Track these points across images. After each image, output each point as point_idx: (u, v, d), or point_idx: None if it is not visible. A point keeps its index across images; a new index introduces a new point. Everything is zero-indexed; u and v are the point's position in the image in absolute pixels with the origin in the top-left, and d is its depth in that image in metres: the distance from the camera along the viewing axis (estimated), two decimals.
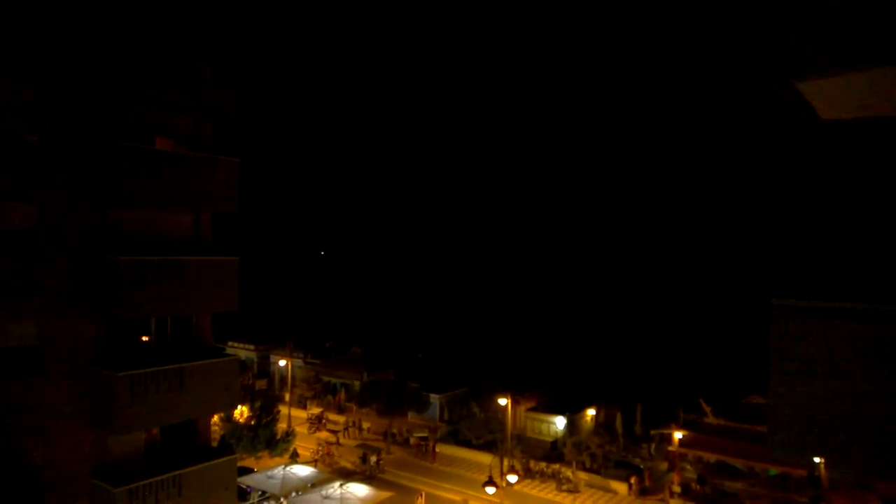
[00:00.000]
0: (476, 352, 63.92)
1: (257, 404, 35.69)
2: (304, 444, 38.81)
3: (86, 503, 16.46)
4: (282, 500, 27.31)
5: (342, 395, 49.18)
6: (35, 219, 15.98)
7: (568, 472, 33.98)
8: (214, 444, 21.28)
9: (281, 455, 34.57)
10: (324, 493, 25.43)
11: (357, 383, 48.28)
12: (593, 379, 51.87)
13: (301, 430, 41.35)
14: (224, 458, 18.97)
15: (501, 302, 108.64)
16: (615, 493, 32.87)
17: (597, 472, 34.37)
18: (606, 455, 35.75)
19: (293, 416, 43.72)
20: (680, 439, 33.55)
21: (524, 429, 41.11)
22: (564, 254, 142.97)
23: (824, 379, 6.47)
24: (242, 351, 55.09)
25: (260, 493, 27.90)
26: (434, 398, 44.29)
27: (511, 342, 74.19)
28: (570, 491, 32.83)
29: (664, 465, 35.18)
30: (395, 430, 41.00)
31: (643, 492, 32.49)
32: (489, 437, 38.57)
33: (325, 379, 51.27)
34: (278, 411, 36.86)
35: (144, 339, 18.25)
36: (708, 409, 35.66)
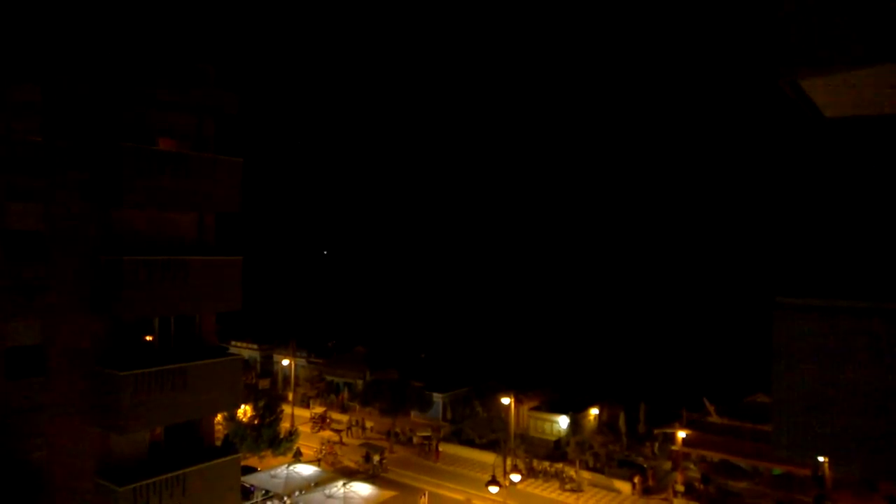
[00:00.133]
0: (479, 351, 63.89)
1: (261, 403, 35.73)
2: (308, 443, 38.84)
3: (90, 502, 16.50)
4: (285, 499, 27.35)
5: (345, 395, 49.21)
6: (39, 219, 16.03)
7: (571, 472, 33.94)
8: (218, 443, 21.33)
9: (284, 454, 34.60)
10: (327, 492, 25.46)
11: (360, 382, 48.29)
12: (596, 378, 51.81)
13: (304, 429, 41.39)
14: (228, 458, 19.02)
15: (504, 301, 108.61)
16: (619, 492, 32.82)
17: (600, 471, 34.32)
18: (610, 454, 35.68)
19: (296, 415, 43.78)
20: (683, 438, 33.48)
21: (527, 428, 41.06)
22: (567, 252, 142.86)
23: (829, 377, 6.44)
24: (246, 350, 55.15)
25: (263, 492, 27.95)
26: (437, 397, 44.29)
27: (514, 341, 74.16)
28: (573, 490, 32.79)
29: (668, 465, 35.10)
30: (398, 430, 41.01)
31: (646, 491, 32.44)
32: (492, 436, 38.54)
33: (329, 378, 51.29)
34: (281, 410, 36.88)
35: (148, 338, 18.29)
36: (711, 408, 35.55)
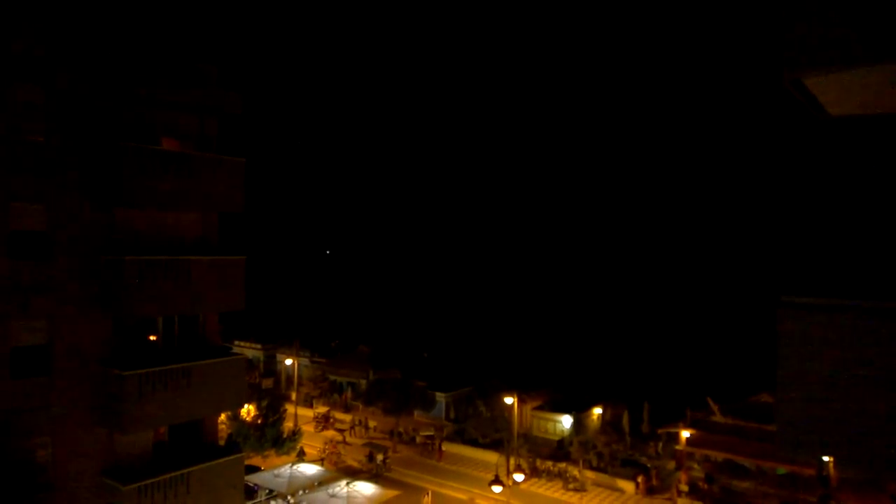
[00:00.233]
0: (482, 350, 63.86)
1: (264, 403, 35.81)
2: (311, 442, 38.89)
3: (94, 501, 16.55)
4: (289, 498, 27.40)
5: (348, 394, 49.27)
6: (42, 219, 16.06)
7: (574, 471, 33.92)
8: (222, 442, 21.35)
9: (288, 453, 34.68)
10: (330, 491, 25.50)
11: (363, 382, 48.34)
12: (600, 377, 51.74)
13: (308, 428, 41.48)
14: (231, 457, 19.04)
15: (507, 300, 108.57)
16: (622, 491, 32.79)
17: (603, 470, 34.29)
18: (613, 454, 35.64)
19: (300, 414, 43.88)
20: (687, 438, 33.41)
21: (530, 427, 41.04)
22: (571, 252, 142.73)
23: (833, 377, 6.41)
24: (249, 350, 55.26)
25: (267, 491, 28.00)
26: (440, 397, 44.31)
27: (517, 341, 74.11)
28: (576, 490, 32.78)
29: (671, 464, 35.05)
30: (401, 429, 41.03)
31: (650, 491, 32.39)
32: (495, 435, 38.53)
33: (332, 377, 51.34)
34: (285, 410, 36.96)
35: (152, 338, 18.32)
36: (716, 408, 35.46)
